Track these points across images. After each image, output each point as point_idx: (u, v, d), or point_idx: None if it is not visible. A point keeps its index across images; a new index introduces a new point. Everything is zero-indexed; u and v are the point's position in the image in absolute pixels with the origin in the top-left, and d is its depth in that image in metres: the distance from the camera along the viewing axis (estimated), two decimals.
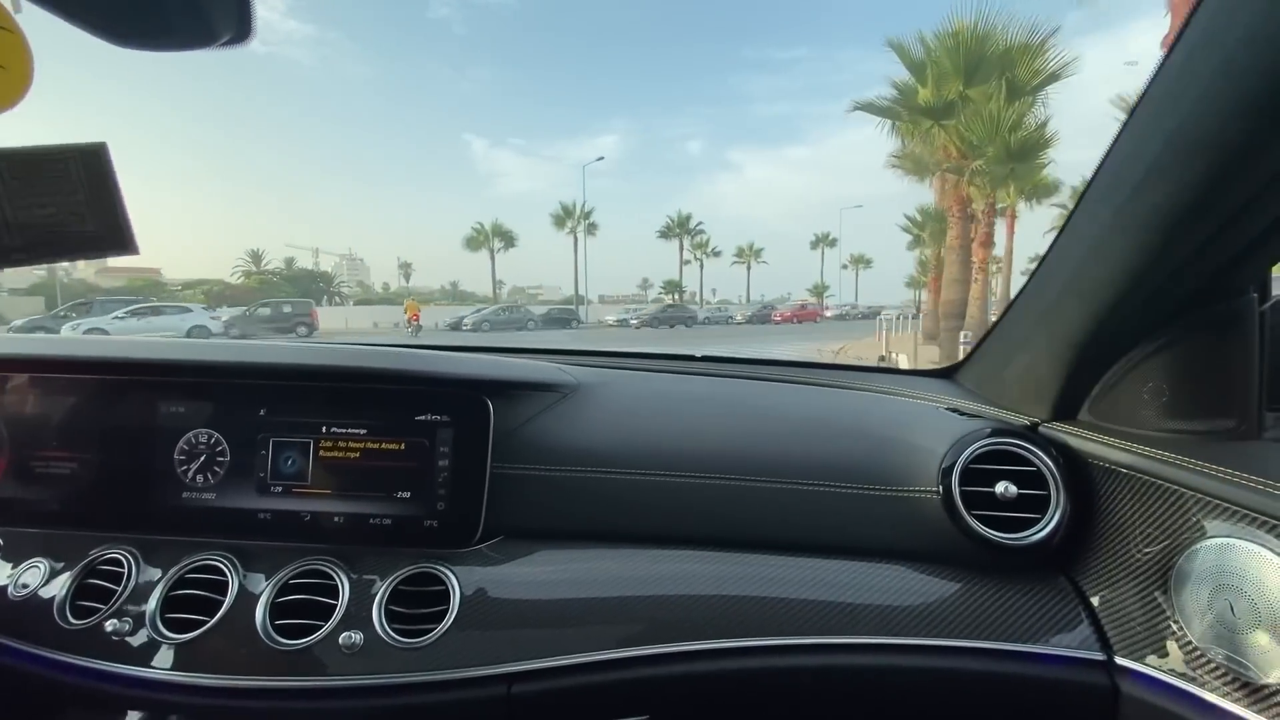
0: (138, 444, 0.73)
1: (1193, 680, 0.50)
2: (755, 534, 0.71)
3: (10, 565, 0.68)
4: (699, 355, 1.01)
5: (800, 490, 0.71)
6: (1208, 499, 0.50)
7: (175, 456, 0.72)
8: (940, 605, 0.62)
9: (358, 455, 0.72)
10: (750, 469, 0.72)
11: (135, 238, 0.54)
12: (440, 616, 0.64)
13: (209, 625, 0.63)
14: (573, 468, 0.73)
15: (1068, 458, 0.64)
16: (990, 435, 0.66)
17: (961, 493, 0.64)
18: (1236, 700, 0.47)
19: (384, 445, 0.72)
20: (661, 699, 0.65)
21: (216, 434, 0.72)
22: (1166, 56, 0.45)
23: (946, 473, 0.65)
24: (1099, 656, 0.57)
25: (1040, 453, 0.64)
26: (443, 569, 0.66)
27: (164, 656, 0.62)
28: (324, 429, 0.72)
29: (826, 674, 0.63)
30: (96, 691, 0.63)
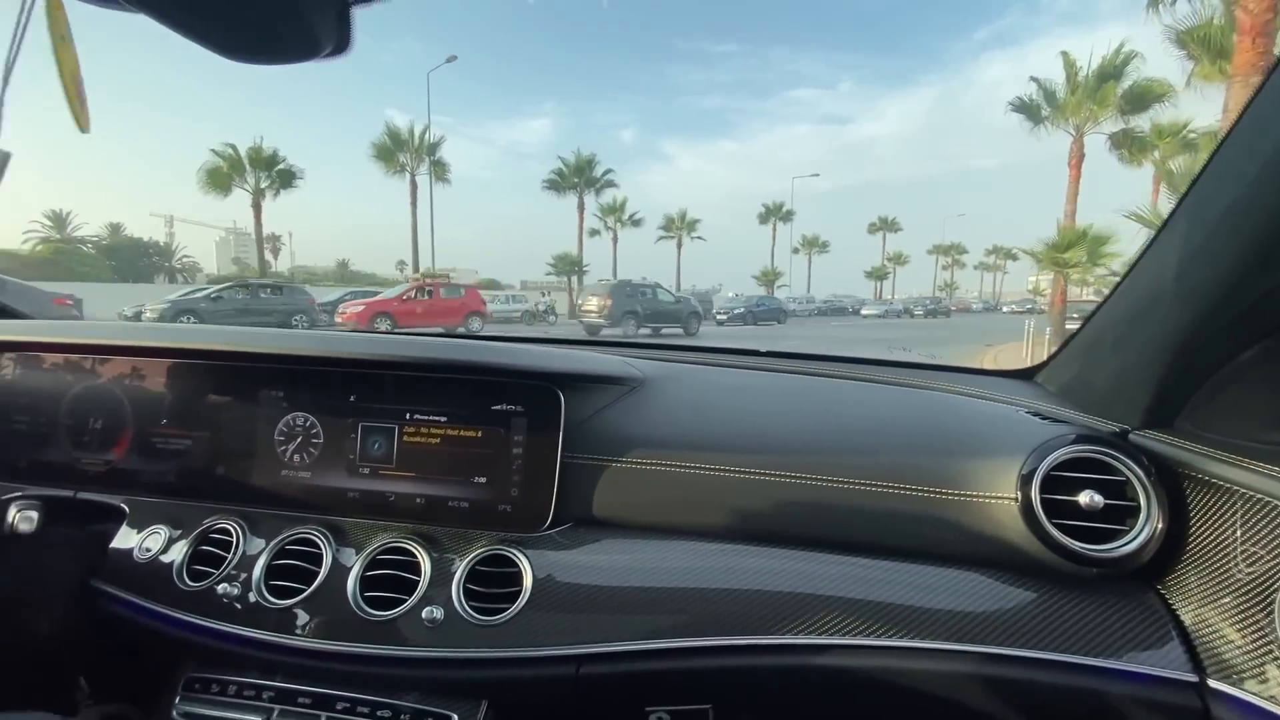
0: (243, 425, 0.79)
1: None
2: (819, 532, 0.71)
3: (136, 531, 0.76)
4: (763, 350, 1.01)
5: (867, 491, 0.70)
6: None
7: (275, 437, 0.78)
8: (1016, 614, 0.60)
9: (438, 441, 0.76)
10: (816, 467, 0.71)
11: None
12: (512, 597, 0.67)
13: (306, 594, 0.68)
14: (639, 459, 0.75)
15: (1160, 467, 0.61)
16: (1075, 442, 0.63)
17: (1042, 500, 0.62)
18: None
19: (463, 432, 0.76)
20: (725, 690, 0.66)
21: (312, 418, 0.78)
22: None
23: (1026, 480, 0.63)
24: (1190, 678, 0.54)
25: (1130, 462, 0.61)
26: (516, 552, 0.69)
27: (267, 619, 0.68)
28: (408, 415, 0.77)
29: (893, 677, 0.62)
30: (208, 647, 0.70)
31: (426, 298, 15.57)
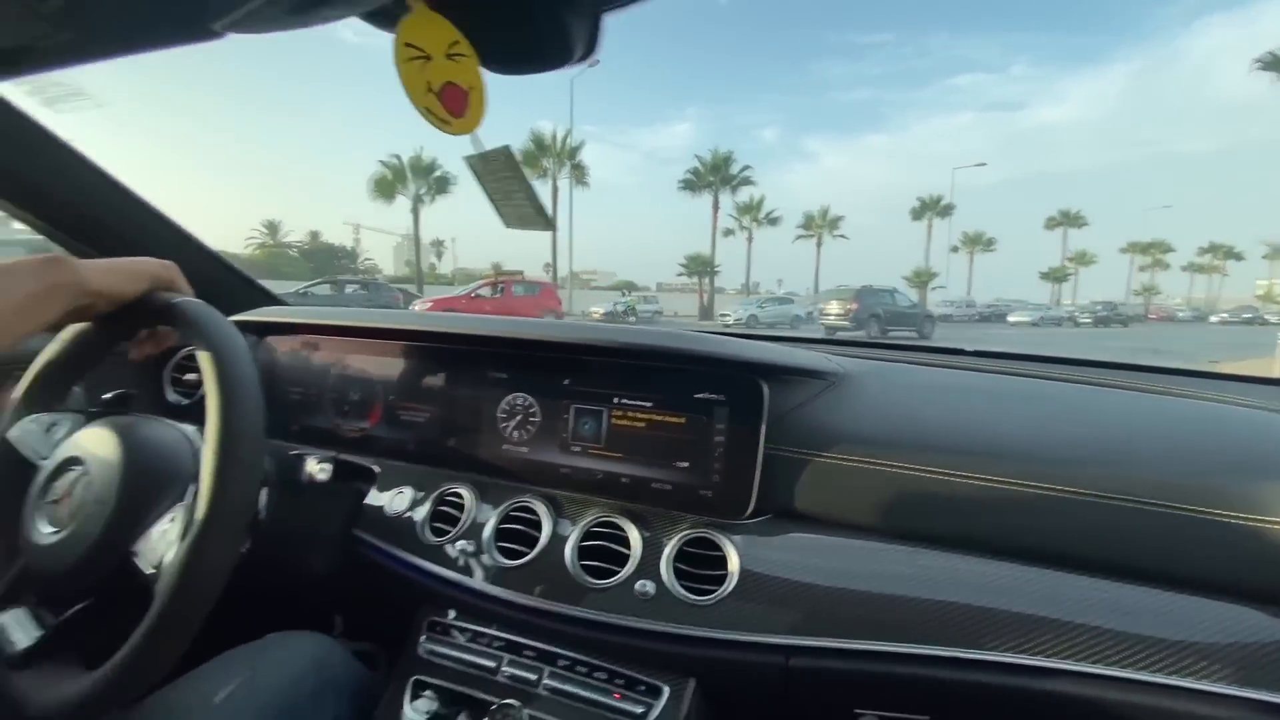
0: (471, 402, 0.89)
1: None
2: (1060, 547, 0.64)
3: (387, 491, 0.88)
4: (969, 350, 0.94)
5: (1123, 506, 0.62)
6: None
7: (498, 414, 0.87)
8: None
9: (644, 425, 0.79)
10: (1062, 477, 0.65)
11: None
12: (717, 580, 0.68)
13: (530, 556, 0.75)
14: (847, 456, 0.73)
15: None
16: None
17: None
18: None
19: (667, 418, 0.78)
20: (943, 703, 0.62)
21: (531, 398, 0.85)
22: None
23: None
24: None
25: None
26: (722, 537, 0.70)
27: (496, 575, 0.75)
28: (616, 400, 0.81)
29: (1148, 717, 0.54)
30: (444, 595, 0.79)
31: (498, 295, 16.13)
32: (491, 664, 0.73)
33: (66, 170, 0.89)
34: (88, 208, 0.93)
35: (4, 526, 0.72)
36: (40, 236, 0.99)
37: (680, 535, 0.72)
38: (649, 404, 0.80)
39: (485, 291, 16.50)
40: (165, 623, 0.53)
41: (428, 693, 0.74)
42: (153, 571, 0.58)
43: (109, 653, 0.61)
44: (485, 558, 0.77)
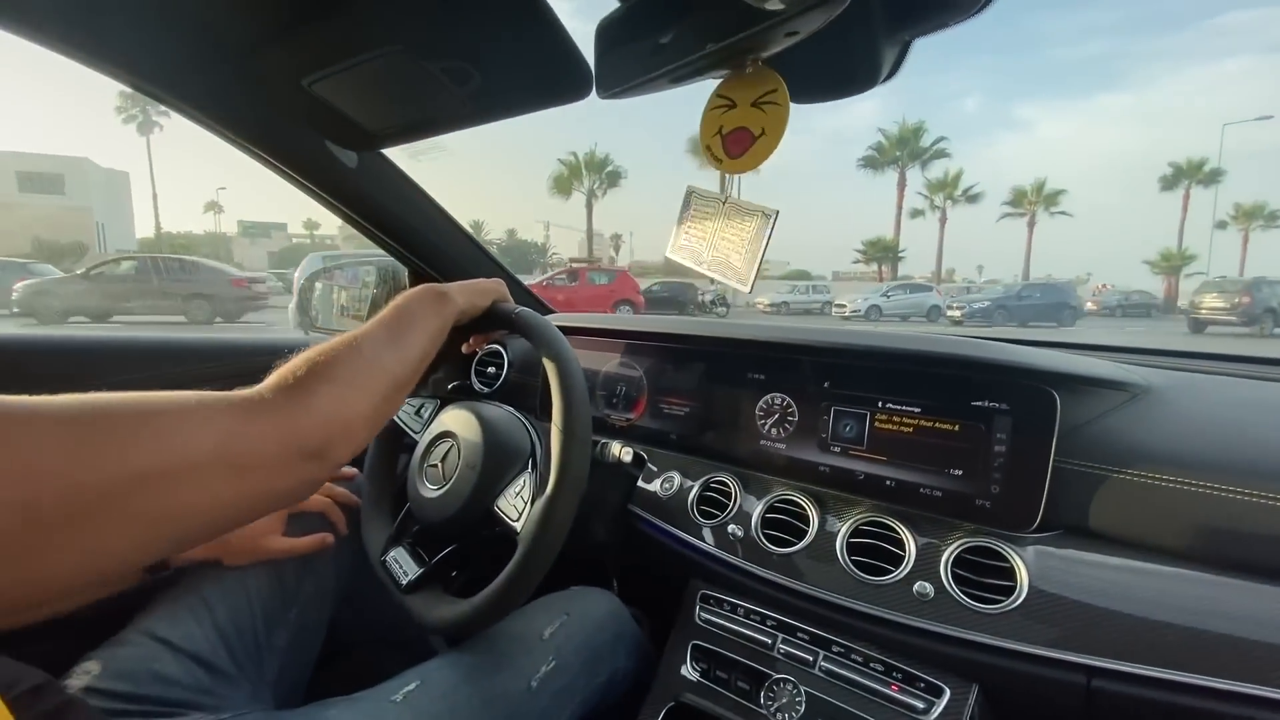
0: (730, 399, 0.97)
1: None
2: None
3: (658, 474, 1.00)
4: None
5: None
6: None
7: (756, 412, 0.94)
8: None
9: (910, 430, 0.81)
10: None
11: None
12: (1001, 590, 0.68)
13: (800, 546, 0.81)
14: (1153, 474, 0.67)
15: None
16: None
17: None
18: None
19: (938, 425, 0.79)
20: None
21: (788, 398, 0.91)
22: None
23: None
24: None
25: None
26: (1009, 549, 0.70)
27: (766, 559, 0.82)
28: (879, 404, 0.84)
29: None
30: (714, 571, 0.88)
31: (574, 284, 15.90)
32: (767, 640, 0.80)
33: (421, 209, 1.15)
34: (433, 238, 1.19)
35: (392, 482, 0.96)
36: (389, 256, 1.28)
37: (960, 542, 0.73)
38: (916, 409, 0.81)
39: (561, 279, 17.14)
40: (528, 562, 0.68)
41: (705, 657, 0.84)
42: (513, 523, 0.75)
43: (468, 585, 0.79)
44: (754, 541, 0.84)
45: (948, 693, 0.69)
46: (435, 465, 0.85)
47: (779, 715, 0.75)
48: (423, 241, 1.20)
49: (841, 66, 0.66)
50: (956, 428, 0.78)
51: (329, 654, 0.93)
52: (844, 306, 22.09)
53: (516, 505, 0.76)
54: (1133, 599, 0.63)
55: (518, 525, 0.74)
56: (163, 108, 0.91)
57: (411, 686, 0.68)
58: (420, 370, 0.68)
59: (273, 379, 0.53)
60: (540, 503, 0.70)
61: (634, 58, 0.56)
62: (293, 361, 0.56)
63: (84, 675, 0.65)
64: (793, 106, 0.61)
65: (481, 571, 0.78)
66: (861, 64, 0.64)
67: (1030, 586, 0.67)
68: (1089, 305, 24.66)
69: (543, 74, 0.68)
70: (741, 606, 0.85)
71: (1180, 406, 0.75)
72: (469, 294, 0.76)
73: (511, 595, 0.70)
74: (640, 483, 1.02)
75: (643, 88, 0.58)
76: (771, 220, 0.69)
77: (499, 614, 0.72)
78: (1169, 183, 33.89)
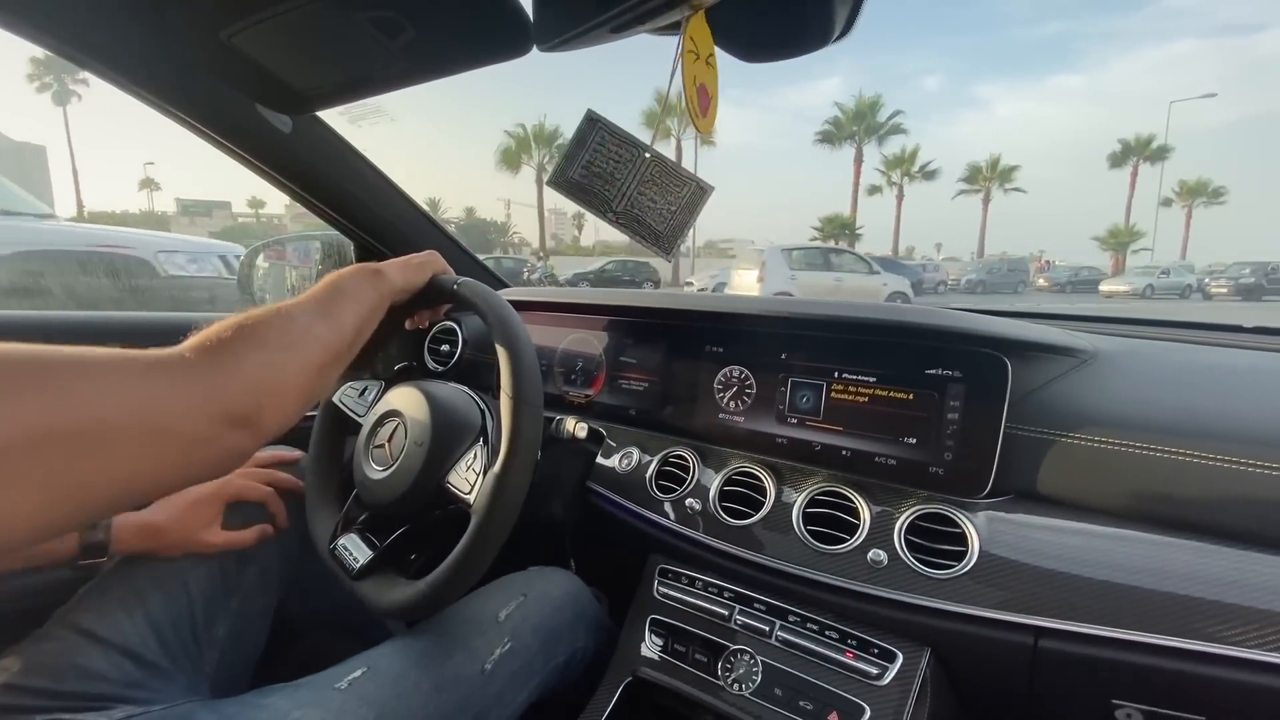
0: (689, 373, 0.96)
1: None
2: None
3: (616, 450, 0.98)
4: (1249, 326, 0.82)
5: None
6: None
7: (715, 385, 0.93)
8: None
9: (866, 400, 0.81)
10: None
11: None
12: (953, 555, 0.68)
13: (757, 517, 0.80)
14: (1102, 438, 0.68)
15: None
16: None
17: None
18: None
19: (892, 394, 0.79)
20: (1222, 703, 0.58)
21: (746, 370, 0.90)
22: None
23: None
24: None
25: None
26: (960, 515, 0.70)
27: (724, 531, 0.82)
28: (836, 374, 0.83)
29: None
30: (672, 545, 0.87)
31: None
32: (724, 612, 0.80)
33: (363, 178, 1.09)
34: (377, 209, 1.13)
35: (338, 469, 0.92)
36: (334, 231, 1.22)
37: (913, 509, 0.73)
38: (871, 379, 0.80)
39: None
40: (482, 534, 0.65)
41: (664, 630, 0.83)
42: (465, 496, 0.72)
43: (423, 566, 0.76)
44: (712, 515, 0.84)
45: (900, 657, 0.69)
46: (381, 445, 0.82)
47: (736, 686, 0.75)
48: (368, 214, 1.14)
49: (792, 23, 0.63)
50: (910, 396, 0.78)
51: (280, 641, 0.89)
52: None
53: (468, 478, 0.74)
54: (1078, 560, 0.64)
55: (470, 497, 0.71)
56: (81, 75, 0.83)
57: (358, 673, 0.66)
58: (356, 346, 0.64)
59: (193, 340, 0.48)
60: (492, 471, 0.67)
61: (572, 6, 0.53)
62: (215, 325, 0.51)
63: (2, 672, 0.61)
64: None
65: (437, 552, 0.75)
66: (813, 20, 0.62)
67: (981, 551, 0.67)
68: (1040, 282, 25.86)
69: (478, 25, 0.64)
70: (699, 579, 0.84)
71: (1126, 371, 0.76)
72: (404, 270, 0.72)
73: (466, 572, 0.67)
74: (599, 459, 1.00)
75: (583, 38, 0.54)
76: (707, 195, 0.67)
77: (454, 593, 0.69)
78: (1118, 160, 34.83)
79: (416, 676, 0.67)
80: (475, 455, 0.75)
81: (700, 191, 0.70)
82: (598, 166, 0.69)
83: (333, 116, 1.03)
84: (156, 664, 0.68)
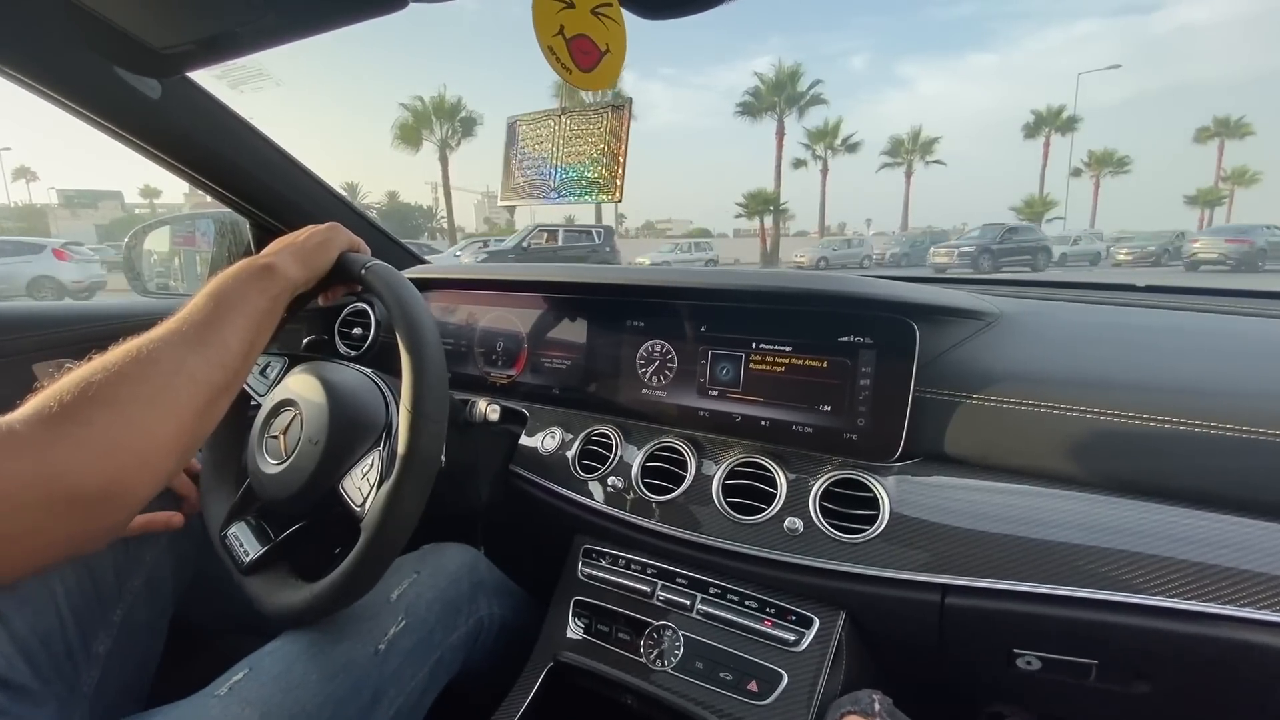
0: (611, 349, 0.94)
1: None
2: (1224, 490, 0.60)
3: (540, 431, 0.96)
4: (1141, 285, 0.86)
5: None
6: None
7: (637, 360, 0.91)
8: None
9: (783, 369, 0.81)
10: (1227, 414, 0.60)
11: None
12: (865, 520, 0.69)
13: (677, 493, 0.79)
14: (1004, 398, 0.70)
15: None
16: None
17: None
18: None
19: (807, 362, 0.79)
20: (1108, 647, 0.61)
21: (668, 344, 0.89)
22: None
23: None
24: None
25: None
26: (872, 479, 0.71)
27: (646, 509, 0.81)
28: (754, 345, 0.82)
29: None
30: (596, 525, 0.86)
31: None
32: (646, 589, 0.79)
33: (251, 148, 1.00)
34: (268, 181, 1.04)
35: (236, 446, 0.85)
36: (226, 208, 1.12)
37: (827, 476, 0.73)
38: (788, 348, 0.80)
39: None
40: (370, 554, 0.61)
41: (587, 612, 0.82)
42: (357, 508, 0.68)
43: (318, 565, 0.72)
44: (634, 492, 0.82)
45: (816, 622, 0.70)
46: (276, 437, 0.76)
47: (658, 662, 0.74)
48: (260, 187, 1.05)
49: None
50: (825, 364, 0.78)
51: (183, 651, 0.83)
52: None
53: (362, 488, 0.69)
54: (980, 517, 0.66)
55: (362, 510, 0.67)
56: None
57: (239, 676, 0.61)
58: (248, 366, 0.57)
59: (30, 405, 0.42)
60: (385, 488, 0.63)
61: None
62: (60, 382, 0.44)
63: None
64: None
65: (332, 552, 0.71)
66: None
67: (891, 514, 0.69)
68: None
69: None
70: (622, 558, 0.83)
71: (1030, 331, 0.79)
72: (301, 257, 0.65)
73: (354, 585, 0.63)
74: (522, 440, 0.97)
75: None
76: (626, 110, 0.64)
77: (342, 604, 0.65)
78: (1031, 130, 36.37)
79: (303, 669, 0.63)
80: (372, 463, 0.70)
81: (618, 112, 0.67)
82: (528, 152, 0.70)
83: (210, 82, 0.93)
84: (25, 686, 0.62)
